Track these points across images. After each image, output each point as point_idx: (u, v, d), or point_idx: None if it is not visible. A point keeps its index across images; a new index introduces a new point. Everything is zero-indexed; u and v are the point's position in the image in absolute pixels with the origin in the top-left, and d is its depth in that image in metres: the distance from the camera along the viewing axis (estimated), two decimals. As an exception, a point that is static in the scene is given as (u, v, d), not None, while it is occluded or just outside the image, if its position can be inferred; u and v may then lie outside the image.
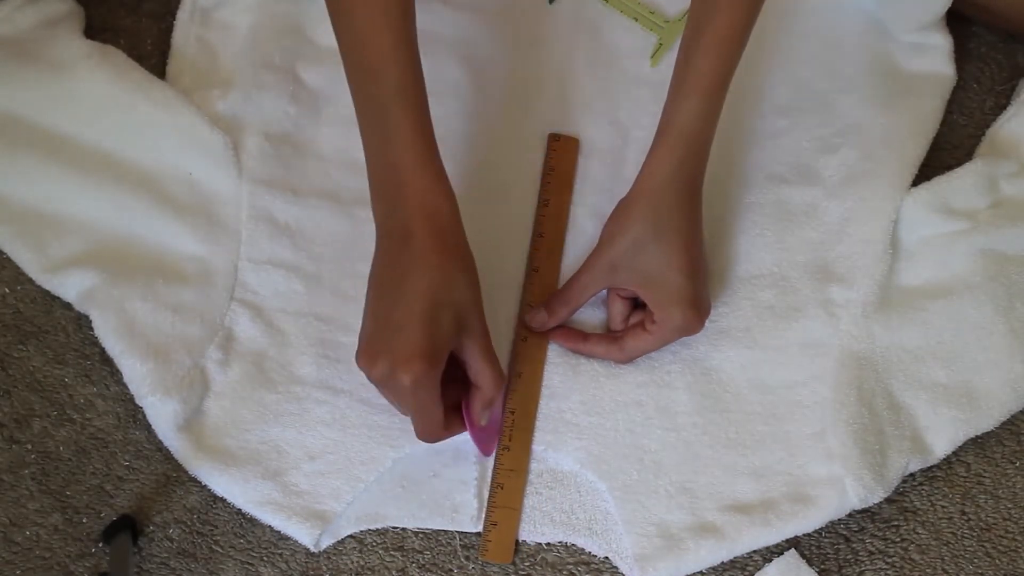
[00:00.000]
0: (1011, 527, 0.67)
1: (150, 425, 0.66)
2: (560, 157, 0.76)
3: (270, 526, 0.65)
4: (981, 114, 0.81)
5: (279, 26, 0.78)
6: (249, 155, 0.73)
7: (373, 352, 0.59)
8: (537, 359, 0.69)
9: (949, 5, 0.77)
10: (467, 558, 0.65)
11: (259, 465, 0.65)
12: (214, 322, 0.68)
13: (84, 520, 0.65)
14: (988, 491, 0.68)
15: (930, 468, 0.68)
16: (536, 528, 0.66)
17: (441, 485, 0.66)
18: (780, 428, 0.68)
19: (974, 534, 0.67)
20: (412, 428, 0.67)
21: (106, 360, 0.68)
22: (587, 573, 0.65)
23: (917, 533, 0.67)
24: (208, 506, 0.66)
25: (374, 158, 0.62)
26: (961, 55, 0.81)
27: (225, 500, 0.65)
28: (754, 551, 0.65)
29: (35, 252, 0.69)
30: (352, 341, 0.69)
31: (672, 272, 0.64)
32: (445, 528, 0.65)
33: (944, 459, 0.68)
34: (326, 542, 0.65)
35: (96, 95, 0.73)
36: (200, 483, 0.66)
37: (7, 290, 0.71)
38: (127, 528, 0.63)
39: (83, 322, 0.70)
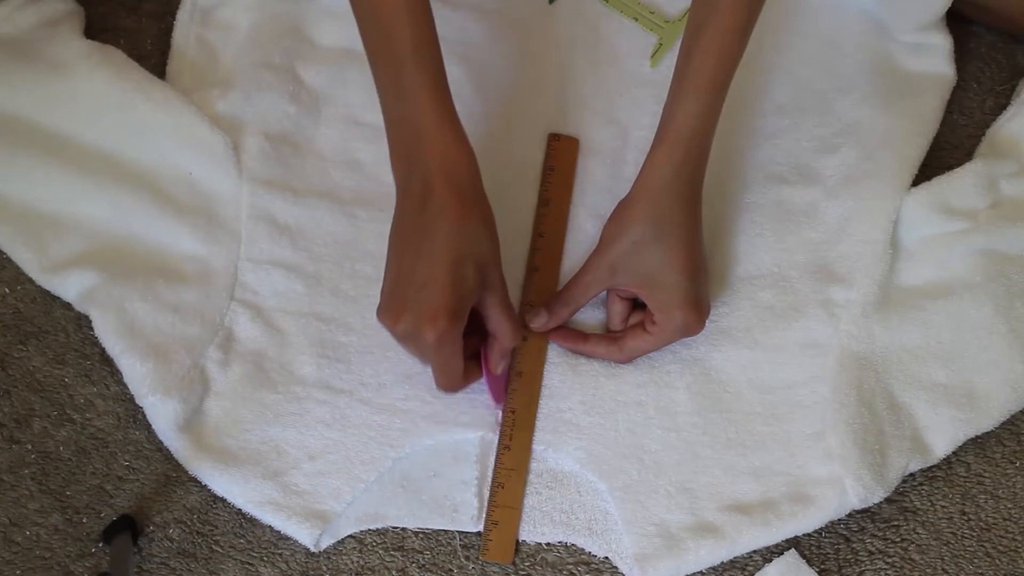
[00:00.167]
0: (1011, 527, 0.67)
1: (150, 425, 0.66)
2: (560, 157, 0.76)
3: (270, 526, 0.65)
4: (981, 114, 0.81)
5: (279, 26, 0.78)
6: (249, 155, 0.73)
7: (397, 308, 0.60)
8: (537, 359, 0.69)
9: (949, 5, 0.77)
10: (467, 558, 0.65)
11: (259, 465, 0.65)
12: (214, 322, 0.68)
13: (84, 520, 0.65)
14: (988, 491, 0.68)
15: (930, 468, 0.68)
16: (536, 528, 0.66)
17: (441, 485, 0.66)
18: (780, 428, 0.68)
19: (974, 534, 0.67)
20: (412, 428, 0.67)
21: (106, 360, 0.68)
22: (587, 573, 0.65)
23: (917, 533, 0.67)
24: (208, 506, 0.66)
25: (392, 118, 0.63)
26: (961, 55, 0.81)
27: (225, 500, 0.65)
28: (754, 551, 0.65)
29: (35, 252, 0.69)
30: (352, 341, 0.69)
31: (672, 273, 0.64)
32: (445, 528, 0.65)
33: (944, 459, 0.68)
34: (326, 542, 0.65)
35: (96, 95, 0.73)
36: (200, 483, 0.66)
37: (7, 290, 0.71)
38: (127, 528, 0.63)
39: (83, 322, 0.70)
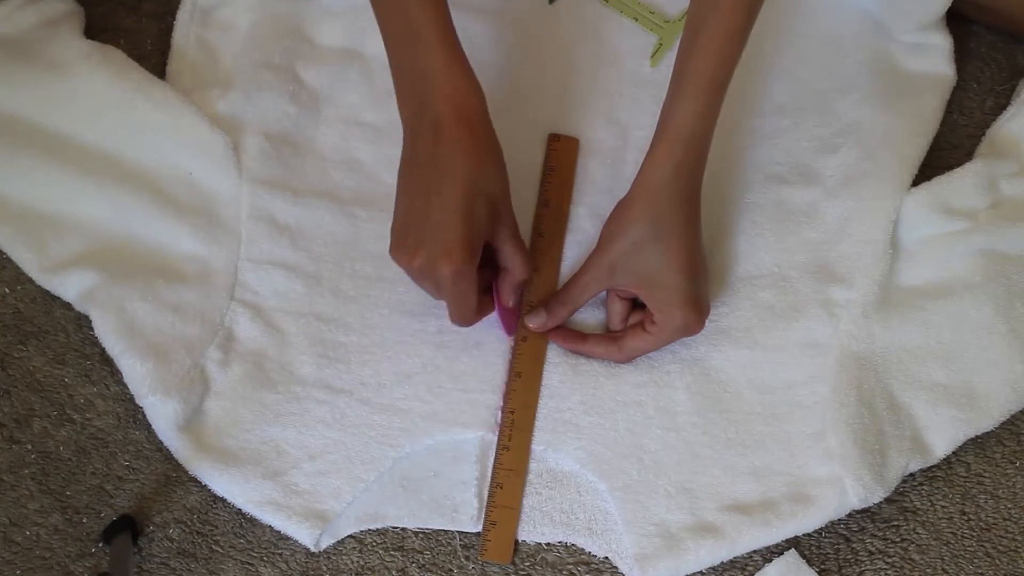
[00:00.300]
0: (1011, 527, 0.67)
1: (150, 425, 0.66)
2: (560, 157, 0.76)
3: (270, 526, 0.65)
4: (981, 114, 0.81)
5: (279, 26, 0.78)
6: (249, 155, 0.73)
7: (412, 246, 0.61)
8: (537, 359, 0.69)
9: (949, 5, 0.77)
10: (467, 558, 0.65)
11: (259, 465, 0.65)
12: (214, 322, 0.68)
13: (84, 520, 0.65)
14: (988, 491, 0.68)
15: (930, 468, 0.68)
16: (536, 528, 0.66)
17: (441, 485, 0.66)
18: (780, 428, 0.68)
19: (974, 534, 0.67)
20: (412, 428, 0.67)
21: (106, 360, 0.68)
22: (587, 573, 0.65)
23: (917, 533, 0.67)
24: (208, 506, 0.66)
25: (399, 61, 0.64)
26: (961, 55, 0.81)
27: (225, 500, 0.65)
28: (754, 551, 0.65)
29: (35, 252, 0.69)
30: (352, 341, 0.69)
31: (672, 273, 0.64)
32: (445, 528, 0.65)
33: (944, 459, 0.68)
34: (326, 542, 0.65)
35: (96, 95, 0.73)
36: (200, 483, 0.66)
37: (7, 290, 0.71)
38: (127, 528, 0.63)
39: (83, 322, 0.70)
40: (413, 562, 0.65)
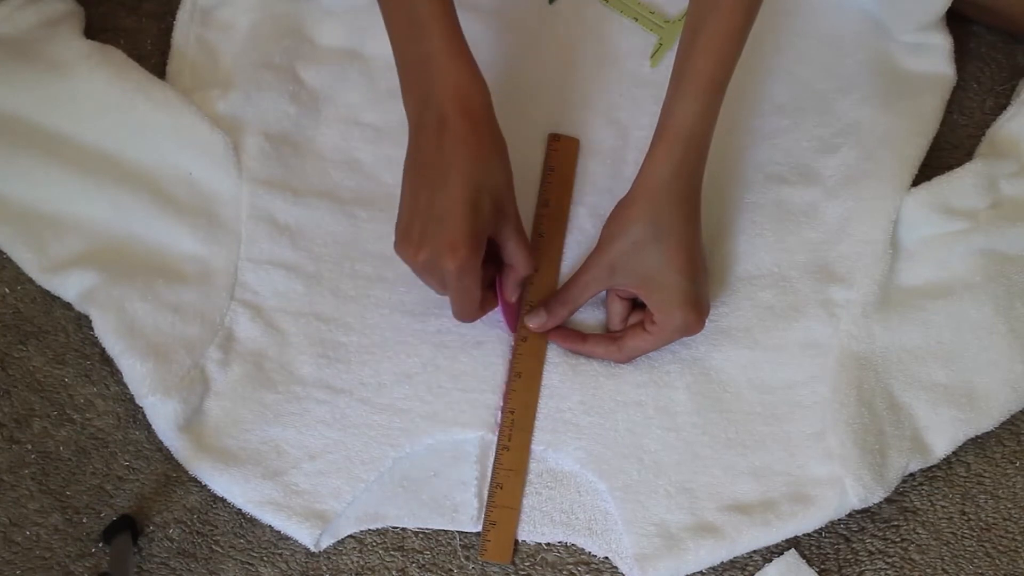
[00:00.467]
0: (1011, 527, 0.67)
1: (150, 425, 0.66)
2: (560, 157, 0.76)
3: (270, 526, 0.65)
4: (981, 114, 0.81)
5: (279, 26, 0.78)
6: (249, 155, 0.73)
7: (416, 241, 0.61)
8: (537, 359, 0.69)
9: (949, 5, 0.77)
10: (467, 558, 0.65)
11: (259, 465, 0.65)
12: (214, 322, 0.68)
13: (84, 520, 0.65)
14: (988, 491, 0.68)
15: (930, 468, 0.68)
16: (536, 528, 0.66)
17: (441, 485, 0.66)
18: (780, 428, 0.68)
19: (974, 534, 0.67)
20: (412, 428, 0.67)
21: (106, 360, 0.68)
22: (587, 573, 0.65)
23: (917, 533, 0.67)
24: (208, 506, 0.66)
25: (403, 53, 0.64)
26: (961, 55, 0.81)
27: (225, 500, 0.65)
28: (754, 551, 0.65)
29: (35, 252, 0.69)
30: (352, 341, 0.69)
31: (672, 273, 0.64)
32: (445, 528, 0.65)
33: (944, 459, 0.68)
34: (326, 542, 0.65)
35: (96, 95, 0.73)
36: (200, 483, 0.66)
37: (7, 290, 0.71)
38: (127, 528, 0.63)
39: (83, 322, 0.70)
40: (413, 562, 0.65)
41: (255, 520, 0.65)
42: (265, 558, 0.64)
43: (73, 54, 0.74)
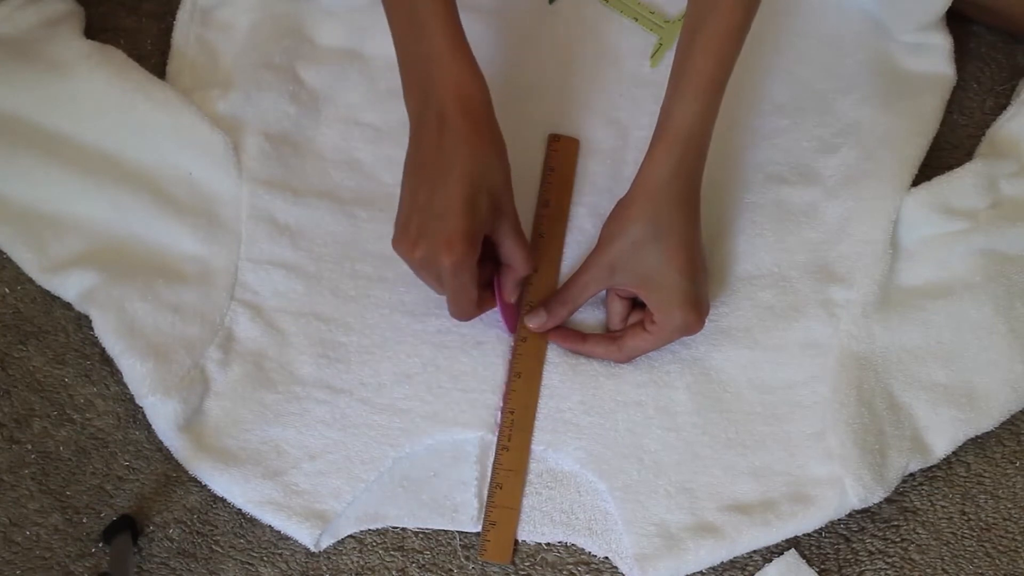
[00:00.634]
0: (1011, 527, 0.67)
1: (150, 425, 0.66)
2: (560, 158, 0.76)
3: (270, 526, 0.65)
4: (981, 114, 0.81)
5: (279, 26, 0.78)
6: (249, 155, 0.73)
7: (413, 237, 0.62)
8: (537, 359, 0.69)
9: (949, 5, 0.77)
10: (467, 558, 0.65)
11: (259, 465, 0.65)
12: (214, 322, 0.68)
13: (84, 520, 0.65)
14: (988, 491, 0.68)
15: (930, 468, 0.68)
16: (536, 528, 0.66)
17: (441, 485, 0.66)
18: (780, 428, 0.68)
19: (974, 534, 0.67)
20: (412, 428, 0.67)
21: (106, 360, 0.68)
22: (587, 573, 0.65)
23: (917, 533, 0.67)
24: (208, 506, 0.66)
25: (405, 51, 0.64)
26: (961, 55, 0.81)
27: (225, 500, 0.65)
28: (754, 551, 0.65)
29: (35, 252, 0.69)
30: (352, 341, 0.69)
31: (672, 272, 0.64)
32: (445, 528, 0.65)
33: (944, 459, 0.68)
34: (326, 542, 0.65)
35: (96, 95, 0.73)
36: (200, 483, 0.66)
37: (7, 290, 0.71)
38: (127, 528, 0.63)
39: (83, 322, 0.70)
40: (413, 562, 0.65)
41: (255, 520, 0.65)
42: (265, 558, 0.64)
43: (73, 54, 0.74)
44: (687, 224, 0.65)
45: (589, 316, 0.71)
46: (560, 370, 0.69)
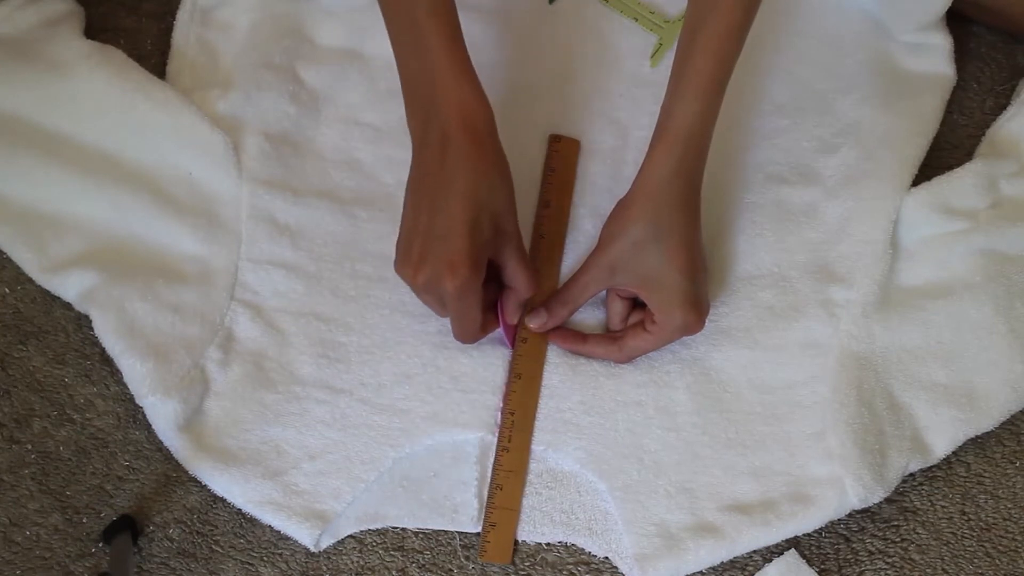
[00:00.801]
0: (1011, 527, 0.67)
1: (150, 425, 0.66)
2: (561, 158, 0.76)
3: (270, 526, 0.65)
4: (981, 114, 0.81)
5: (279, 26, 0.78)
6: (249, 155, 0.73)
7: (417, 260, 0.61)
8: (537, 361, 0.69)
9: (949, 5, 0.77)
10: (467, 558, 0.65)
11: (259, 465, 0.65)
12: (214, 322, 0.68)
13: (84, 520, 0.65)
14: (988, 491, 0.68)
15: (930, 468, 0.68)
16: (536, 528, 0.66)
17: (441, 485, 0.66)
18: (780, 428, 0.68)
19: (974, 534, 0.67)
20: (412, 428, 0.67)
21: (106, 360, 0.68)
22: (587, 573, 0.65)
23: (917, 533, 0.67)
24: (208, 506, 0.66)
25: (408, 71, 0.64)
26: (961, 55, 0.81)
27: (225, 500, 0.65)
28: (754, 551, 0.65)
29: (35, 252, 0.69)
30: (352, 341, 0.69)
31: (672, 272, 0.64)
32: (445, 528, 0.65)
33: (944, 459, 0.68)
34: (326, 542, 0.65)
35: (96, 95, 0.73)
36: (200, 483, 0.66)
37: (7, 290, 0.71)
38: (127, 528, 0.63)
39: (83, 322, 0.70)
40: (413, 562, 0.65)
41: (255, 520, 0.65)
42: (265, 558, 0.64)
43: (73, 54, 0.74)
44: (687, 224, 0.65)
45: (589, 316, 0.71)
46: (560, 370, 0.69)
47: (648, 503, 0.66)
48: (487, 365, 0.69)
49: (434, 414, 0.67)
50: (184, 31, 0.79)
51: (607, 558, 0.65)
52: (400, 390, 0.68)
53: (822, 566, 0.65)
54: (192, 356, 0.67)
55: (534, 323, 0.69)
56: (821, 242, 0.73)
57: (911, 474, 0.68)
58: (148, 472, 0.66)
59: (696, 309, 0.65)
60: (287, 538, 0.65)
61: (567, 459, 0.67)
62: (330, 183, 0.74)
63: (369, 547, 0.65)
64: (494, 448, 0.67)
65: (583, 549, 0.66)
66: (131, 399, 0.67)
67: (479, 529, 0.65)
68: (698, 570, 0.65)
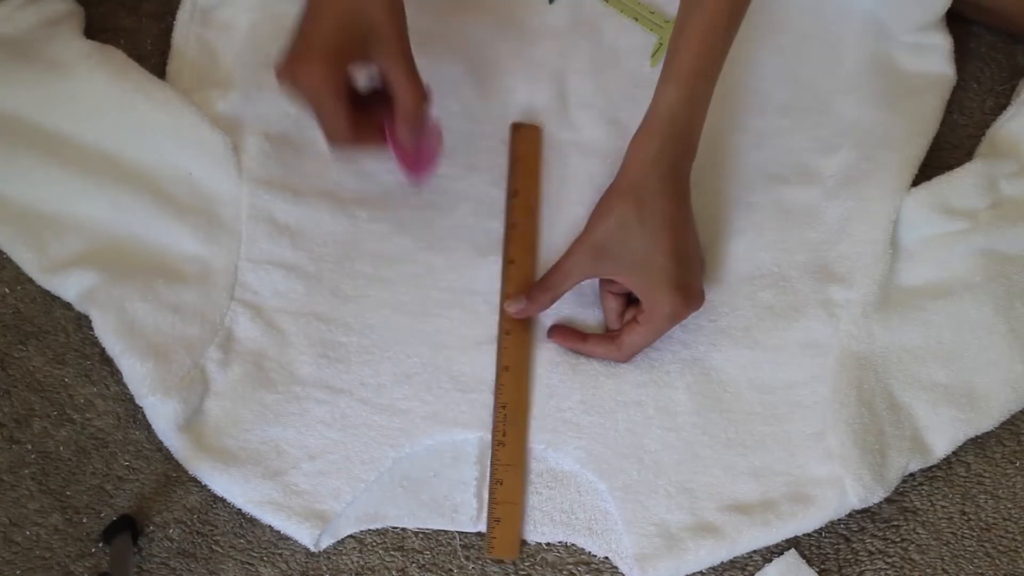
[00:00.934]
0: (1011, 527, 0.67)
1: (150, 425, 0.66)
2: (524, 146, 0.76)
3: (270, 526, 0.65)
4: (981, 114, 0.81)
5: (279, 26, 0.78)
6: (249, 155, 0.73)
7: (284, 64, 0.62)
8: (522, 353, 0.69)
9: (949, 5, 0.77)
10: (467, 558, 0.65)
11: (259, 465, 0.65)
12: (214, 322, 0.68)
13: (84, 520, 0.65)
14: (988, 491, 0.68)
15: (930, 468, 0.68)
16: (536, 528, 0.66)
17: (441, 485, 0.66)
18: (780, 428, 0.68)
19: (974, 534, 0.67)
20: (412, 428, 0.67)
21: (106, 360, 0.68)
22: (587, 573, 0.65)
23: (917, 533, 0.67)
24: (208, 506, 0.66)
25: None
26: (961, 55, 0.81)
27: (225, 500, 0.65)
28: (754, 551, 0.65)
29: (35, 252, 0.69)
30: (352, 341, 0.69)
31: (657, 255, 0.64)
32: (445, 528, 0.65)
33: (944, 459, 0.68)
34: (326, 542, 0.65)
35: (96, 95, 0.73)
36: (200, 483, 0.66)
37: (7, 290, 0.71)
38: (127, 528, 0.63)
39: (83, 322, 0.70)
40: (413, 562, 0.65)
41: (255, 520, 0.65)
42: (265, 558, 0.64)
43: (73, 54, 0.74)
44: (673, 208, 0.64)
45: (589, 316, 0.71)
46: (560, 370, 0.69)
47: (648, 503, 0.66)
48: (486, 365, 0.69)
49: (434, 414, 0.67)
50: (184, 31, 0.79)
51: (607, 558, 0.65)
52: (400, 390, 0.68)
53: (822, 566, 0.65)
54: (192, 356, 0.67)
55: (513, 308, 0.69)
56: (821, 242, 0.73)
57: (911, 474, 0.68)
58: (148, 472, 0.66)
59: (682, 293, 0.64)
60: (287, 538, 0.65)
61: (567, 459, 0.67)
62: (330, 183, 0.74)
63: (369, 547, 0.65)
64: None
65: (583, 549, 0.66)
66: (131, 399, 0.67)
67: (479, 529, 0.65)
68: (698, 570, 0.65)
